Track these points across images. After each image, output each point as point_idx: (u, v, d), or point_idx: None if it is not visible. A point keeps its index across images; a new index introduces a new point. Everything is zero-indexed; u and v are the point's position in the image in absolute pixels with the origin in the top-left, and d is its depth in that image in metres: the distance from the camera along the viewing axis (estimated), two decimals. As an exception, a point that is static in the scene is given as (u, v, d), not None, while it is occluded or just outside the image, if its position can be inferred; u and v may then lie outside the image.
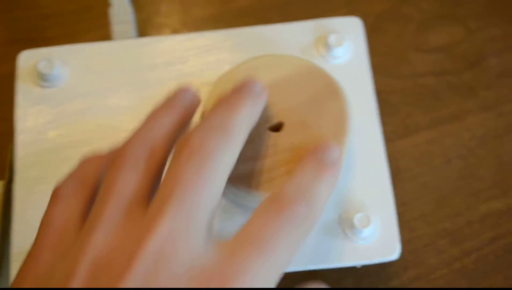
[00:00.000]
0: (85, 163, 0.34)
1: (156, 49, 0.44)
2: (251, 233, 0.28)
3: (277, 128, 0.38)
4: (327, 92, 0.38)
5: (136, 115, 0.39)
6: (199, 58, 0.44)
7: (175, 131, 0.33)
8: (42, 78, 0.42)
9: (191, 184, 0.27)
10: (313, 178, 0.31)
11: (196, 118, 0.36)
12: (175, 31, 0.52)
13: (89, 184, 0.33)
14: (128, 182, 0.30)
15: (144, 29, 0.53)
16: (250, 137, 0.35)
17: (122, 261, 0.25)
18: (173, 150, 0.31)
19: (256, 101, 0.34)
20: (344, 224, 0.39)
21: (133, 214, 0.28)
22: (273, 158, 0.37)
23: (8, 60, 0.51)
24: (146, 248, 0.25)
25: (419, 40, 0.53)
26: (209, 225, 0.28)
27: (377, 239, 0.39)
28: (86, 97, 0.43)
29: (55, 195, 0.32)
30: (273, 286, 0.28)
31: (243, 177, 0.36)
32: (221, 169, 0.29)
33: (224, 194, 0.36)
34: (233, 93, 0.34)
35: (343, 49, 0.43)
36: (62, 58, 0.43)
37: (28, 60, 0.43)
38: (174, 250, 0.26)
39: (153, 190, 0.31)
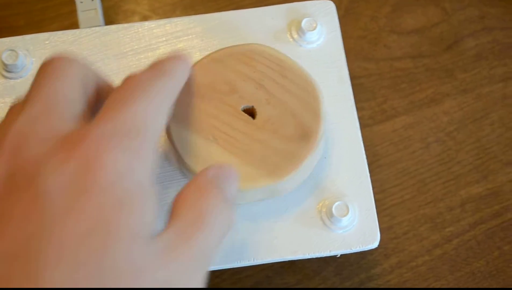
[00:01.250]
0: None
1: (124, 36, 0.43)
2: (109, 100, 0.29)
3: (250, 112, 0.38)
4: (300, 83, 0.38)
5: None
6: (169, 45, 0.43)
7: None
8: (6, 69, 0.41)
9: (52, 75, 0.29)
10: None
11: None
12: (145, 18, 0.51)
13: None
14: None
15: (112, 16, 0.51)
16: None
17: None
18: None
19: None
20: (323, 213, 0.38)
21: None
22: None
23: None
24: (13, 127, 0.27)
25: (395, 22, 0.52)
26: (74, 108, 0.29)
27: (356, 227, 0.38)
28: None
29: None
30: (153, 128, 0.28)
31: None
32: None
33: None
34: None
35: (316, 33, 0.42)
36: (26, 47, 0.42)
37: (-8, 50, 0.42)
38: (41, 122, 0.27)
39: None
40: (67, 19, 0.52)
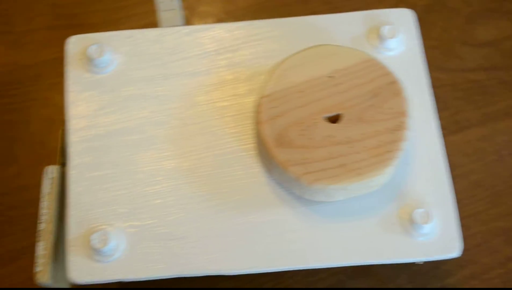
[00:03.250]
0: None
1: (205, 37, 0.44)
2: None
3: (334, 119, 0.37)
4: (388, 89, 0.38)
5: (186, 102, 0.40)
6: (249, 47, 0.43)
7: None
8: (92, 64, 0.42)
9: None
10: None
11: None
12: (219, 20, 0.52)
13: None
14: None
15: (187, 17, 0.52)
16: (305, 124, 0.36)
17: None
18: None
19: None
20: (404, 220, 0.38)
21: None
22: (327, 149, 0.36)
23: (51, 45, 0.50)
24: None
25: (467, 34, 0.52)
26: None
27: (437, 235, 0.38)
28: (137, 84, 0.42)
29: None
30: None
31: (296, 164, 0.36)
32: None
33: (275, 178, 0.37)
34: None
35: (396, 41, 0.42)
36: (111, 43, 0.43)
37: (76, 45, 0.43)
38: None
39: None
40: (142, 19, 0.53)
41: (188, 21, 0.51)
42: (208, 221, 0.38)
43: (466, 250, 0.43)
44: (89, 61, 0.41)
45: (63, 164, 0.41)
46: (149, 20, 0.51)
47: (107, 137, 0.40)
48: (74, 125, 0.41)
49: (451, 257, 0.37)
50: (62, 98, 0.47)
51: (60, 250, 0.39)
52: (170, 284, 0.43)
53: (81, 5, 0.52)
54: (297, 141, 0.36)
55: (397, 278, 0.44)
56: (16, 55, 0.52)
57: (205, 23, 0.49)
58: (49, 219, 0.39)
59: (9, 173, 0.49)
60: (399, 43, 0.42)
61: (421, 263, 0.38)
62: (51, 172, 0.40)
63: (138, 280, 0.37)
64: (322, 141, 0.36)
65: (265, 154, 0.37)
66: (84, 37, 0.43)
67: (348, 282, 0.44)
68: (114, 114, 0.41)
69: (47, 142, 0.50)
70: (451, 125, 0.48)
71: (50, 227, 0.39)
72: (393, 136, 0.36)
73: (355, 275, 0.44)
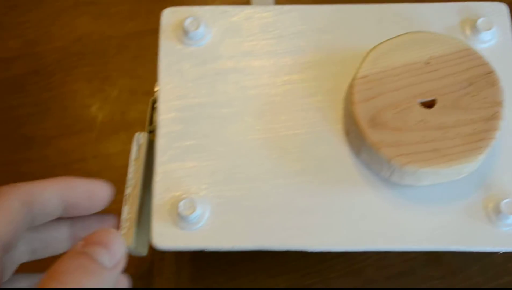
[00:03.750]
0: None
1: (299, 17, 0.44)
2: None
3: (429, 104, 0.37)
4: (484, 79, 0.38)
5: (278, 79, 0.41)
6: (343, 30, 0.44)
7: None
8: (187, 36, 0.42)
9: None
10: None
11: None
12: (309, 1, 0.52)
13: None
14: None
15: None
16: (399, 108, 0.36)
17: None
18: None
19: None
20: (489, 209, 0.38)
21: None
22: (421, 133, 0.37)
23: (136, 18, 0.51)
24: None
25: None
26: None
27: (522, 226, 0.38)
28: (229, 58, 0.42)
29: None
30: None
31: (388, 145, 0.36)
32: None
33: (363, 160, 0.37)
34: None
35: (490, 34, 0.42)
36: (205, 17, 0.43)
37: (171, 17, 0.44)
38: None
39: None
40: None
41: (277, 1, 0.51)
42: (293, 196, 0.39)
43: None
44: (184, 33, 0.42)
45: (150, 132, 0.42)
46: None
47: (197, 108, 0.41)
48: (165, 95, 0.41)
49: (535, 249, 0.37)
50: (145, 70, 0.49)
51: (143, 216, 0.40)
52: (248, 258, 0.44)
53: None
54: (391, 123, 0.36)
55: (469, 269, 0.44)
56: (101, 26, 0.53)
57: (294, 3, 0.50)
58: (135, 184, 0.40)
59: (89, 140, 0.50)
60: (492, 36, 0.42)
61: (501, 253, 0.38)
62: (139, 139, 0.41)
63: (219, 250, 0.38)
64: (416, 125, 0.36)
65: (356, 134, 0.37)
66: (179, 9, 0.44)
67: (419, 269, 0.44)
68: (205, 86, 0.41)
69: (127, 112, 0.51)
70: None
71: (136, 192, 0.39)
72: (487, 125, 0.36)
73: (427, 263, 0.44)
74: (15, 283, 0.34)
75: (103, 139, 0.50)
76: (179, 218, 0.38)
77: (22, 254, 0.35)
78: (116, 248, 0.31)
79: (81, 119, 0.51)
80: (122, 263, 0.31)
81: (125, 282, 0.35)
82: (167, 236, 0.38)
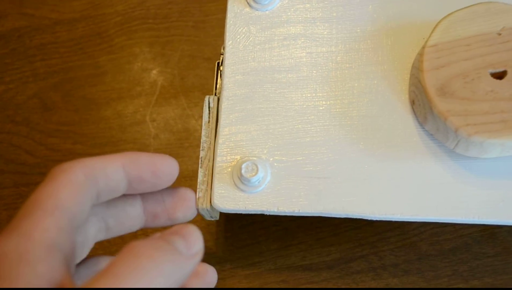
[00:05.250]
0: None
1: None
2: None
3: (499, 75, 0.37)
4: None
5: (346, 46, 0.41)
6: None
7: None
8: (255, 0, 0.42)
9: None
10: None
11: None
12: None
13: None
14: None
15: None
16: (469, 77, 0.36)
17: None
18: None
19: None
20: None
21: None
22: (490, 104, 0.36)
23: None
24: None
25: None
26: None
27: None
28: (297, 24, 0.42)
29: None
30: None
31: (456, 114, 0.36)
32: None
33: (429, 129, 0.38)
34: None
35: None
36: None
37: (239, -19, 0.43)
38: None
39: None
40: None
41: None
42: (355, 164, 0.39)
43: None
44: (252, -3, 0.42)
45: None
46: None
47: (263, 73, 0.41)
48: (231, 58, 0.42)
49: None
50: (206, 36, 0.49)
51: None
52: (303, 226, 0.44)
53: None
54: (460, 92, 0.36)
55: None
56: (164, -8, 0.53)
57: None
58: (209, 147, 0.40)
59: (148, 103, 0.50)
60: None
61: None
62: (210, 102, 0.41)
63: (279, 214, 0.38)
64: (485, 95, 0.36)
65: (424, 103, 0.37)
66: (247, -27, 0.44)
67: (474, 246, 0.44)
68: (271, 51, 0.42)
69: (187, 77, 0.51)
70: None
71: (210, 154, 0.40)
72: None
73: (482, 239, 0.44)
74: (95, 263, 0.34)
75: (163, 103, 0.50)
76: (240, 180, 0.38)
77: (96, 231, 0.34)
78: (193, 239, 0.30)
79: (141, 82, 0.51)
80: (198, 257, 0.30)
81: (207, 278, 0.35)
82: (228, 198, 0.38)
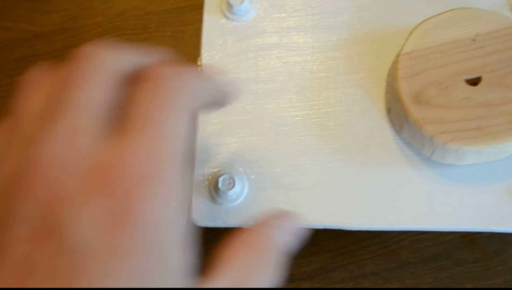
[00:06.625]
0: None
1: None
2: (132, 116, 0.24)
3: (474, 82, 0.37)
4: None
5: (321, 55, 0.41)
6: (387, 6, 0.43)
7: None
8: (231, 11, 0.42)
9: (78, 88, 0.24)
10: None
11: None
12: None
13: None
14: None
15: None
16: (444, 85, 0.36)
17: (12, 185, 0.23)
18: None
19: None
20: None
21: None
22: (465, 111, 0.36)
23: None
24: (32, 163, 0.23)
25: None
26: (99, 122, 0.24)
27: None
28: (272, 34, 0.42)
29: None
30: (177, 157, 0.24)
31: (431, 122, 0.36)
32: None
33: (405, 138, 0.38)
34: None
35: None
36: (248, -7, 0.43)
37: (215, -9, 0.43)
38: (62, 154, 0.23)
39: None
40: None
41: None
42: (332, 174, 0.39)
43: None
44: (228, 8, 0.42)
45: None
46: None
47: (239, 84, 0.41)
48: (208, 69, 0.41)
49: None
50: (184, 46, 0.49)
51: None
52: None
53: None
54: (435, 100, 0.36)
55: (504, 252, 0.44)
56: (142, 1, 0.53)
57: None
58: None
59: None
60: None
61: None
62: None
63: (258, 226, 0.38)
64: (460, 103, 0.36)
65: (399, 111, 0.37)
66: (223, -16, 0.43)
67: (454, 252, 0.44)
68: (247, 62, 0.42)
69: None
70: None
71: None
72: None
73: (462, 245, 0.44)
74: None
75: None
76: (218, 194, 0.38)
77: None
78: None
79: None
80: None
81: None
82: (207, 212, 0.38)
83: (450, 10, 0.39)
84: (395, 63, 0.38)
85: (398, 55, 0.38)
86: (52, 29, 0.53)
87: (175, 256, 0.23)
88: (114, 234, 0.22)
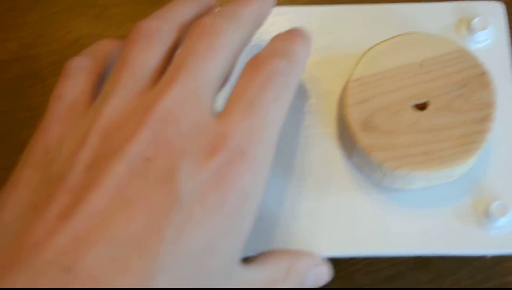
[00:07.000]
0: (99, 43, 0.35)
1: (296, 18, 0.44)
2: (238, 95, 0.30)
3: (421, 106, 0.38)
4: (477, 80, 0.38)
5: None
6: (339, 31, 0.44)
7: (193, 20, 0.34)
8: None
9: (202, 56, 0.29)
10: (286, 41, 0.33)
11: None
12: (306, 2, 0.53)
13: (102, 61, 0.33)
14: (142, 55, 0.30)
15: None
16: (392, 110, 0.37)
17: (132, 124, 0.27)
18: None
19: (264, 3, 0.35)
20: (479, 212, 0.38)
21: (147, 85, 0.29)
22: (413, 136, 0.37)
23: (133, 20, 0.51)
24: (156, 111, 0.27)
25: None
26: (213, 96, 0.30)
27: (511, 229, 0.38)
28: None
29: (66, 69, 0.32)
30: (270, 138, 0.30)
31: (380, 149, 0.36)
32: (230, 49, 0.31)
33: (356, 163, 0.38)
34: None
35: (486, 33, 0.43)
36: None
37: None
38: (183, 112, 0.27)
39: (165, 66, 0.31)
40: None
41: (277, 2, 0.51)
42: (283, 201, 0.39)
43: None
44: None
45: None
46: None
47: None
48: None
49: (525, 252, 0.37)
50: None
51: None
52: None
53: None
54: (384, 126, 0.36)
55: (458, 272, 0.44)
56: (98, 28, 0.53)
57: (293, 3, 0.50)
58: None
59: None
60: (488, 36, 0.43)
61: (489, 257, 0.38)
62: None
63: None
64: (408, 128, 0.36)
65: (349, 138, 0.37)
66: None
67: (408, 273, 0.44)
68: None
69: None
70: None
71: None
72: (479, 127, 0.36)
73: (416, 266, 0.45)
74: None
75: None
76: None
77: None
78: None
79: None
80: None
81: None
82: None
83: (399, 35, 0.39)
84: (344, 89, 0.38)
85: (347, 82, 0.38)
86: (7, 58, 0.53)
87: (248, 223, 0.29)
88: (214, 191, 0.26)
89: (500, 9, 0.44)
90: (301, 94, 0.41)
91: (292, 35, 0.34)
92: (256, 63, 0.31)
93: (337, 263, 0.43)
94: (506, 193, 0.39)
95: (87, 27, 0.53)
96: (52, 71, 0.52)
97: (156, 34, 0.31)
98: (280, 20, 0.44)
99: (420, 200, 0.39)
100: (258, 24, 0.34)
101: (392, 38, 0.39)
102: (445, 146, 0.36)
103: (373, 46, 0.39)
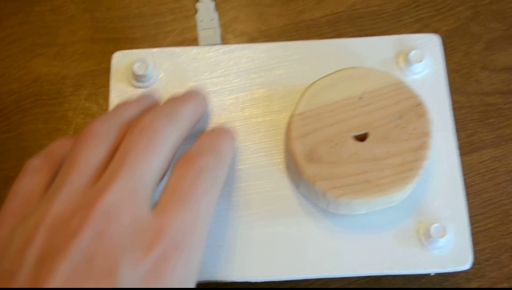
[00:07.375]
0: (54, 143, 0.37)
1: (242, 56, 0.46)
2: (172, 189, 0.32)
3: (361, 138, 0.40)
4: (413, 110, 0.41)
5: (222, 118, 0.44)
6: (283, 67, 0.46)
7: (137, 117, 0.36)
8: (136, 79, 0.44)
9: (141, 153, 0.32)
10: (213, 138, 0.36)
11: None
12: (252, 39, 0.54)
13: (55, 160, 0.35)
14: (89, 154, 0.32)
15: (222, 35, 0.54)
16: (334, 142, 0.39)
17: (76, 221, 0.28)
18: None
19: (200, 102, 0.39)
20: (420, 233, 0.41)
21: (92, 181, 0.31)
22: (353, 166, 0.39)
23: (91, 58, 0.53)
24: (98, 207, 0.29)
25: (487, 59, 0.55)
26: (152, 190, 0.32)
27: (451, 249, 0.41)
28: (176, 99, 0.44)
29: (25, 168, 0.35)
30: (203, 228, 0.32)
31: (323, 179, 0.38)
32: (167, 145, 0.33)
33: (302, 192, 0.40)
34: (181, 94, 0.38)
35: (422, 65, 0.45)
36: (154, 60, 0.45)
37: (121, 60, 0.46)
38: (123, 208, 0.29)
39: (109, 161, 0.33)
40: (179, 35, 0.55)
41: (223, 39, 0.54)
42: (235, 229, 0.41)
43: (474, 264, 0.46)
44: (133, 77, 0.44)
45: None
46: (185, 36, 0.54)
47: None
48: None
49: (462, 270, 0.40)
50: (99, 108, 0.50)
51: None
52: None
53: (121, 20, 0.55)
54: (326, 157, 0.39)
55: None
56: (56, 66, 0.55)
57: (239, 41, 0.52)
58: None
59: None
60: (425, 67, 0.45)
61: (433, 274, 0.41)
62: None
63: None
64: (349, 158, 0.39)
65: (294, 169, 0.40)
66: (128, 53, 0.46)
67: (362, 291, 0.46)
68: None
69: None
70: (466, 145, 0.50)
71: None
72: (416, 155, 0.39)
73: (369, 285, 0.47)
74: None
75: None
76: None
77: None
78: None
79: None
80: None
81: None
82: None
83: (339, 70, 0.42)
84: (289, 123, 0.40)
85: (291, 116, 0.40)
86: (-31, 99, 0.54)
87: None
88: (153, 284, 0.28)
89: (436, 41, 0.47)
90: (251, 128, 0.44)
91: (218, 132, 0.37)
92: (187, 159, 0.33)
93: (292, 284, 0.45)
94: (445, 215, 0.42)
95: (46, 66, 0.55)
96: (14, 110, 0.53)
97: (104, 135, 0.33)
98: (227, 58, 0.46)
99: (365, 224, 0.41)
100: (194, 121, 0.37)
101: (333, 73, 0.42)
102: (384, 174, 0.39)
103: (315, 82, 0.41)
